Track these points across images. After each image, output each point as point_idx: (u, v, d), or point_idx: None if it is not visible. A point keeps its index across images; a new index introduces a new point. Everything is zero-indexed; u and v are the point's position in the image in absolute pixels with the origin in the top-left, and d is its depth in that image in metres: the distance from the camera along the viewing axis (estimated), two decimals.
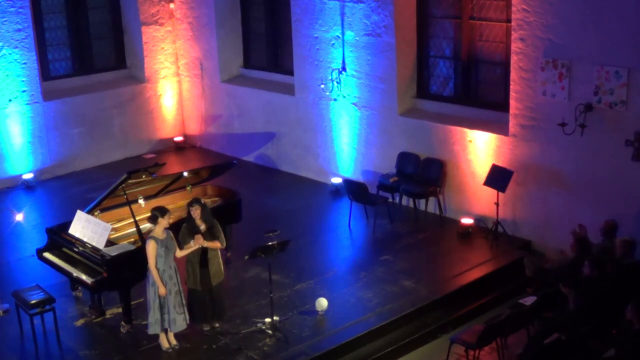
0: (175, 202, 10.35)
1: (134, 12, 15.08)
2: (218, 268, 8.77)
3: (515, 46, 10.58)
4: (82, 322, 9.24)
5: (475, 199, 11.50)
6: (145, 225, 9.65)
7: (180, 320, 8.51)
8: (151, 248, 8.27)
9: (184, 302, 8.58)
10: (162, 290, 8.30)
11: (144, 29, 15.13)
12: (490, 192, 10.99)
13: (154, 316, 8.43)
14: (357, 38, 12.46)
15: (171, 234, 8.47)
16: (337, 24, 12.65)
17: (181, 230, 8.70)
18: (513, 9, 10.54)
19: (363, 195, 11.63)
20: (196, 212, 8.61)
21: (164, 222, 8.34)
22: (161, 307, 8.39)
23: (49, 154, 14.29)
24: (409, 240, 11.22)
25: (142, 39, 15.15)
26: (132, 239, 9.35)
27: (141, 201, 9.92)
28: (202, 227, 8.63)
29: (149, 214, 9.88)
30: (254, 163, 14.70)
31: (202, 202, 8.81)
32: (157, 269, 8.29)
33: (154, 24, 15.25)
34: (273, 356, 8.47)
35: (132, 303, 9.02)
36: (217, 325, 8.98)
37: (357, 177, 12.87)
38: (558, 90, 10.23)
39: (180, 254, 8.58)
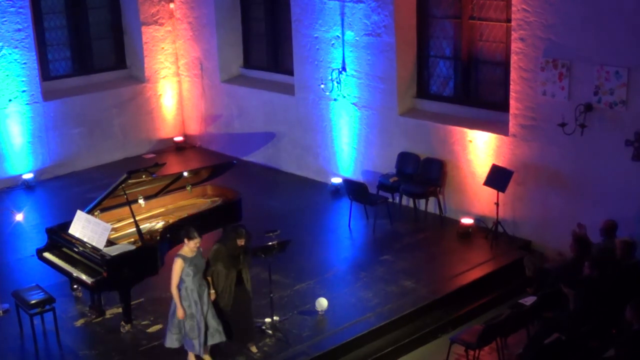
0: (175, 202, 10.36)
1: (134, 12, 15.08)
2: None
3: (515, 46, 10.58)
4: (82, 322, 9.23)
5: (475, 199, 11.49)
6: (145, 225, 9.66)
7: (195, 343, 7.96)
8: (177, 267, 7.76)
9: (206, 325, 8.00)
10: (180, 313, 7.83)
11: (144, 29, 15.12)
12: (490, 192, 10.98)
13: (172, 331, 8.03)
14: (357, 38, 12.45)
15: (201, 250, 7.96)
16: (337, 24, 12.64)
17: (217, 252, 8.17)
18: (513, 9, 10.54)
19: (363, 195, 11.62)
20: (241, 243, 8.12)
21: (190, 244, 7.76)
22: (177, 325, 7.98)
23: (49, 154, 14.28)
24: (409, 240, 11.22)
25: (142, 39, 15.14)
26: (132, 239, 9.34)
27: (141, 201, 9.92)
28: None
29: (149, 214, 9.96)
30: (254, 163, 14.69)
31: (249, 234, 8.30)
32: (186, 288, 7.82)
33: (154, 24, 15.24)
34: (273, 356, 8.46)
35: (132, 303, 9.01)
36: (255, 349, 8.55)
37: (357, 177, 12.87)
38: (558, 90, 10.22)
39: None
